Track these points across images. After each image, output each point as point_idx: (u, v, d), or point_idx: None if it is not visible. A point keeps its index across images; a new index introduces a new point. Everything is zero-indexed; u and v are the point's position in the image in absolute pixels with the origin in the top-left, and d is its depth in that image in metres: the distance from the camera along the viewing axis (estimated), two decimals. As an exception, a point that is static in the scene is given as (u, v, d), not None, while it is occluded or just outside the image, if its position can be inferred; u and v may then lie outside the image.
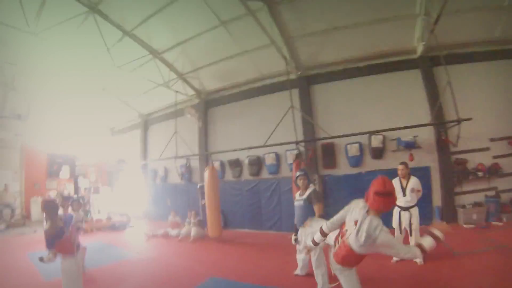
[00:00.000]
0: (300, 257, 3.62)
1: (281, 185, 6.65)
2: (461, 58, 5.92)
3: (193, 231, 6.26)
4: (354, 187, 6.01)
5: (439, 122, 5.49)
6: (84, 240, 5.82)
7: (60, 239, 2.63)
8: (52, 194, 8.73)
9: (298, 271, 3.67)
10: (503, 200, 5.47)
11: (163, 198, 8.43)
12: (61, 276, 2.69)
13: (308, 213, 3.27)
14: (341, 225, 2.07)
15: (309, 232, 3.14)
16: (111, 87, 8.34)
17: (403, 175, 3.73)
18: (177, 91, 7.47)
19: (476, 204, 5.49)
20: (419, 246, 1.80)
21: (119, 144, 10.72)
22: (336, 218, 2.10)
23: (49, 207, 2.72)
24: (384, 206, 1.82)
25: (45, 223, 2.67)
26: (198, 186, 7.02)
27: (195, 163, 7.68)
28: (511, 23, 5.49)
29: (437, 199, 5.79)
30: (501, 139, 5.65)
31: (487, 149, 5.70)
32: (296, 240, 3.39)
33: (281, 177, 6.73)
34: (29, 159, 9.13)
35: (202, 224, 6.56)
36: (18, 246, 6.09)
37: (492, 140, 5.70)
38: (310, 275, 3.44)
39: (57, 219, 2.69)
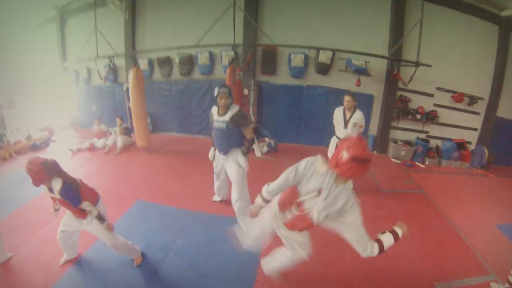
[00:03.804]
0: (216, 184, 3.33)
1: (213, 87, 6.02)
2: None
3: (119, 141, 5.73)
4: (292, 99, 5.81)
5: (399, 59, 5.26)
6: (2, 170, 4.93)
7: (79, 187, 2.19)
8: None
9: (216, 198, 3.51)
10: (430, 145, 5.88)
11: (89, 103, 7.44)
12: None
13: (232, 137, 2.72)
14: (288, 189, 1.69)
15: (235, 161, 2.78)
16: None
17: (348, 107, 3.42)
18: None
19: (407, 143, 5.84)
20: (379, 243, 1.55)
21: (33, 43, 8.63)
22: (281, 181, 1.65)
23: (52, 168, 2.11)
24: (359, 174, 1.37)
25: (53, 186, 2.08)
26: (125, 88, 6.17)
27: (121, 61, 6.59)
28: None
29: (373, 129, 5.96)
30: (447, 90, 5.86)
31: (432, 95, 5.86)
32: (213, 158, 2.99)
33: (214, 78, 6.14)
34: None
35: (128, 131, 6.02)
36: None
37: (438, 88, 5.83)
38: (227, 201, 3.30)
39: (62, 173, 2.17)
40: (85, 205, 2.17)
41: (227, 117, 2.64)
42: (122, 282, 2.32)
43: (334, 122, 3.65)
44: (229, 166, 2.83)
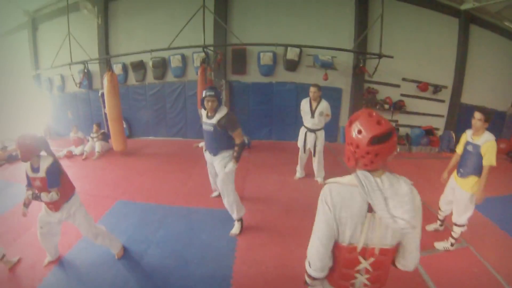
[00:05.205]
0: (212, 182, 3.40)
1: (186, 89, 6.28)
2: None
3: (97, 146, 5.72)
4: (263, 96, 6.02)
5: (362, 52, 5.53)
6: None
7: (62, 175, 2.30)
8: None
9: (214, 194, 3.61)
10: (399, 134, 6.18)
11: (64, 111, 7.36)
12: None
13: (221, 140, 2.69)
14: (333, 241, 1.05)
15: (221, 163, 2.79)
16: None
17: (314, 98, 3.65)
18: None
19: (377, 132, 6.15)
20: None
21: (4, 51, 8.40)
22: (320, 240, 1.04)
23: (45, 142, 2.27)
24: (391, 153, 0.96)
25: (42, 163, 2.19)
26: (100, 93, 6.17)
27: (95, 67, 6.60)
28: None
29: (344, 120, 6.22)
30: (412, 81, 6.21)
31: (398, 86, 6.18)
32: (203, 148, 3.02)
33: (186, 80, 6.31)
34: None
35: (106, 137, 6.01)
36: None
37: (404, 79, 6.17)
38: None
39: (50, 151, 2.31)
40: (55, 191, 2.18)
41: (214, 120, 2.61)
42: (107, 275, 2.40)
43: (302, 113, 3.86)
44: (217, 166, 2.86)
